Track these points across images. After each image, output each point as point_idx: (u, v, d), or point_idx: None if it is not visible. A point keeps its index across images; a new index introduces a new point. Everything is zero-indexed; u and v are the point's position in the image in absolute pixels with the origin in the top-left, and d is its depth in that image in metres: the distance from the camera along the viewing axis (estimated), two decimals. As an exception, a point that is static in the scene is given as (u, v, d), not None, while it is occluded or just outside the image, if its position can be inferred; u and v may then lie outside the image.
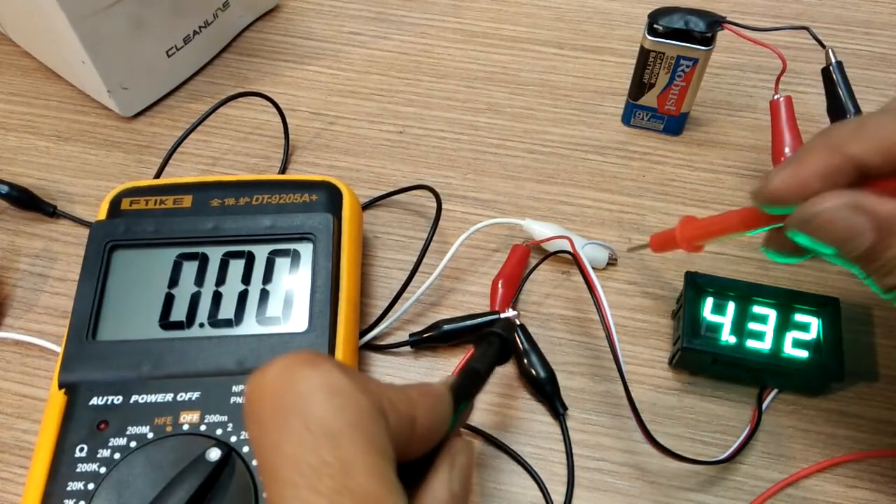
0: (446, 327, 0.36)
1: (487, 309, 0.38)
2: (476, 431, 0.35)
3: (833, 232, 0.25)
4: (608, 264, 0.39)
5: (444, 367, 0.37)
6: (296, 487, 0.17)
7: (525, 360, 0.36)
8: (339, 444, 0.18)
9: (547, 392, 0.35)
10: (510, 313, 0.36)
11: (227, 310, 0.33)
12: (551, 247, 0.39)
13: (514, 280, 0.38)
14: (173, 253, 0.35)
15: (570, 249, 0.37)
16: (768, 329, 0.34)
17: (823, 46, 0.39)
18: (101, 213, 0.36)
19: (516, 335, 0.36)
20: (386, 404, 0.20)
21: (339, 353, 0.32)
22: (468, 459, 0.24)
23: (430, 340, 0.36)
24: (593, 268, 0.39)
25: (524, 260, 0.39)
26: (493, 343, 0.30)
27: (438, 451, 0.23)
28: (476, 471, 0.34)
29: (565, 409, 0.35)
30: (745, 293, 0.35)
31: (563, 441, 0.34)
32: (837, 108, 0.39)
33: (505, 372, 0.36)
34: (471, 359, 0.29)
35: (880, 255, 0.24)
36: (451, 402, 0.24)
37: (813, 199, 0.25)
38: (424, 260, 0.37)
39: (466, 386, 0.26)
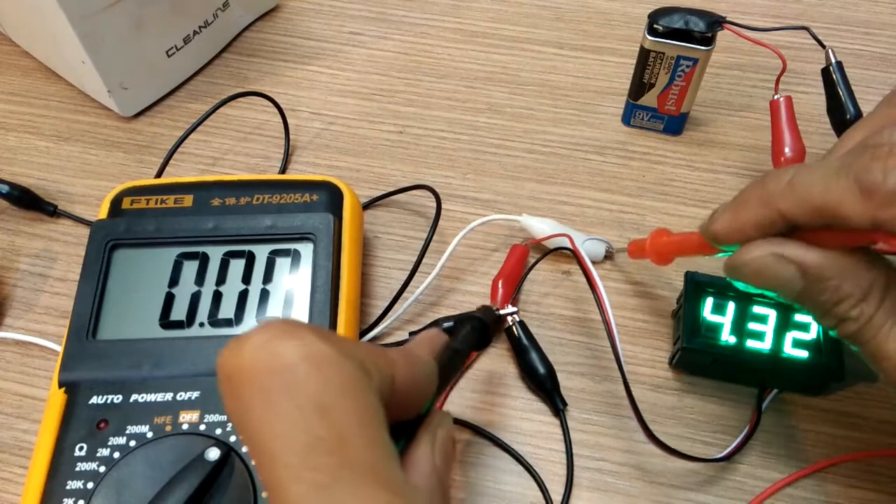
0: (444, 325, 0.36)
1: (487, 309, 0.38)
2: (476, 430, 0.35)
3: (762, 280, 0.25)
4: (605, 257, 0.39)
5: (443, 367, 0.37)
6: (292, 468, 0.17)
7: (525, 357, 0.36)
8: (332, 417, 0.17)
9: (547, 388, 0.35)
10: (509, 309, 0.36)
11: (227, 309, 0.33)
12: (550, 244, 0.39)
13: (514, 279, 0.38)
14: (174, 252, 0.35)
15: (569, 247, 0.37)
16: (768, 329, 0.34)
17: (823, 46, 0.39)
18: (103, 212, 0.36)
19: (518, 331, 0.36)
20: (368, 363, 0.20)
21: (339, 352, 0.32)
22: (449, 432, 0.24)
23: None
24: (592, 262, 0.39)
25: (523, 259, 0.39)
26: (473, 327, 0.30)
27: (419, 424, 0.23)
28: (475, 470, 0.34)
29: (565, 405, 0.35)
30: (745, 293, 0.35)
31: (562, 440, 0.34)
32: (837, 108, 0.39)
33: (505, 371, 0.36)
34: (451, 340, 0.29)
35: (813, 299, 0.25)
36: (436, 370, 0.24)
37: (742, 248, 0.26)
38: (425, 260, 0.37)
39: (446, 363, 0.26)
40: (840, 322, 0.25)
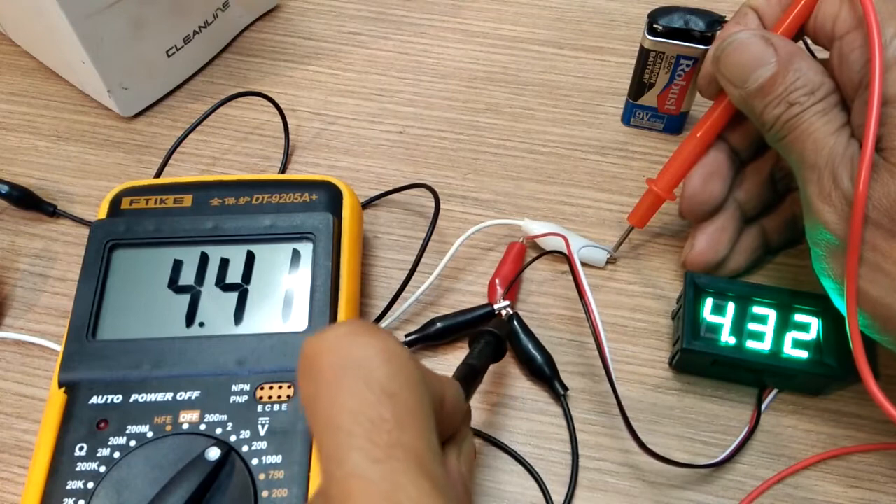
0: (440, 324, 0.36)
1: (486, 309, 0.38)
2: (476, 431, 0.35)
3: (744, 58, 0.30)
4: (608, 263, 0.39)
5: (443, 365, 0.37)
6: (355, 437, 0.19)
7: (522, 346, 0.36)
8: (395, 403, 0.19)
9: (546, 375, 0.35)
10: (503, 303, 0.36)
11: (227, 309, 0.33)
12: (547, 245, 0.39)
13: (511, 278, 0.38)
14: (173, 252, 0.35)
15: (565, 251, 0.37)
16: (768, 329, 0.34)
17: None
18: (102, 212, 0.36)
19: (512, 323, 0.36)
20: (427, 377, 0.22)
21: (339, 352, 0.32)
22: (472, 445, 0.26)
23: (423, 340, 0.36)
24: (592, 267, 0.39)
25: (520, 257, 0.39)
26: (488, 341, 0.31)
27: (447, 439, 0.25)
28: (476, 470, 0.34)
29: (566, 389, 0.35)
30: (744, 294, 0.35)
31: (562, 440, 0.34)
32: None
33: (505, 371, 0.36)
34: (467, 357, 0.30)
35: (775, 87, 0.30)
36: (462, 393, 0.26)
37: (729, 31, 0.32)
38: (424, 260, 0.37)
39: (465, 382, 0.27)
40: (789, 106, 0.29)
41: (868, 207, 0.27)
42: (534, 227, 0.39)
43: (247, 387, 0.30)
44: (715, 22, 0.38)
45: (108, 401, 0.30)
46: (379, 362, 0.20)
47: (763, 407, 0.35)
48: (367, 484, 0.18)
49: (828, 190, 0.29)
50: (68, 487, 0.28)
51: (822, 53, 0.32)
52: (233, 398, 0.30)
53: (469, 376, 0.28)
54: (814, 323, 0.34)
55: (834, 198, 0.29)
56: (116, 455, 0.29)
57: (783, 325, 0.34)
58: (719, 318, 0.34)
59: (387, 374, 0.20)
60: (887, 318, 0.28)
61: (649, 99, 0.43)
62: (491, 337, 0.31)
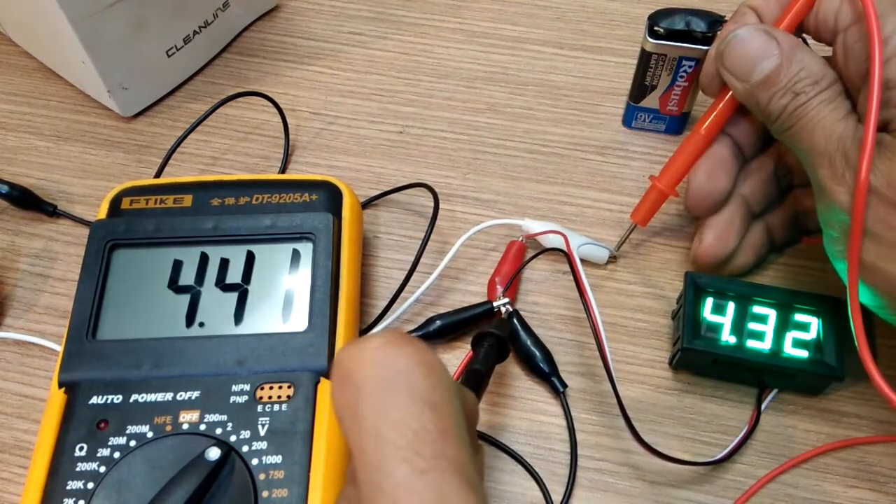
0: (439, 322, 0.36)
1: (486, 308, 0.38)
2: (476, 432, 0.35)
3: (748, 51, 0.31)
4: (608, 262, 0.39)
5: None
6: (400, 448, 0.19)
7: (520, 343, 0.36)
8: (437, 414, 0.20)
9: (545, 371, 0.35)
10: (502, 301, 0.36)
11: (227, 309, 0.33)
12: (547, 243, 0.39)
13: (510, 276, 0.38)
14: (173, 252, 0.35)
15: (565, 248, 0.37)
16: (768, 329, 0.34)
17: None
18: (102, 213, 0.36)
19: (511, 321, 0.36)
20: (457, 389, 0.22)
21: (339, 352, 0.32)
22: (483, 456, 0.26)
23: (423, 338, 0.36)
24: (593, 265, 0.39)
25: (520, 255, 0.39)
26: (491, 344, 0.31)
27: None
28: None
29: (565, 386, 0.35)
30: (745, 293, 0.35)
31: (562, 440, 0.34)
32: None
33: (505, 371, 0.36)
34: (471, 361, 0.30)
35: (780, 78, 0.30)
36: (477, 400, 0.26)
37: (732, 26, 0.33)
38: (423, 260, 0.37)
39: (474, 389, 0.27)
40: (794, 96, 0.30)
41: (882, 186, 0.28)
42: (534, 226, 0.39)
43: (247, 387, 0.30)
44: (716, 22, 0.38)
45: (108, 401, 0.30)
46: (421, 374, 0.20)
47: (763, 407, 0.35)
48: (415, 495, 0.18)
49: (841, 171, 0.29)
50: (68, 487, 0.28)
51: (821, 52, 0.32)
52: (233, 398, 0.30)
53: (477, 382, 0.28)
54: (814, 323, 0.34)
55: (847, 178, 0.29)
56: (116, 455, 0.29)
57: (783, 325, 0.34)
58: (719, 318, 0.34)
59: (428, 385, 0.20)
60: None
61: (651, 101, 0.43)
62: (493, 339, 0.31)
